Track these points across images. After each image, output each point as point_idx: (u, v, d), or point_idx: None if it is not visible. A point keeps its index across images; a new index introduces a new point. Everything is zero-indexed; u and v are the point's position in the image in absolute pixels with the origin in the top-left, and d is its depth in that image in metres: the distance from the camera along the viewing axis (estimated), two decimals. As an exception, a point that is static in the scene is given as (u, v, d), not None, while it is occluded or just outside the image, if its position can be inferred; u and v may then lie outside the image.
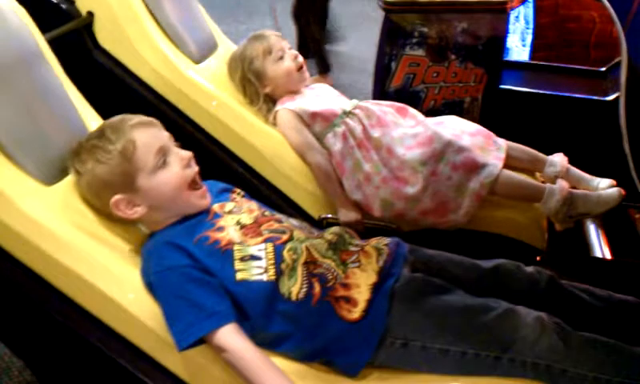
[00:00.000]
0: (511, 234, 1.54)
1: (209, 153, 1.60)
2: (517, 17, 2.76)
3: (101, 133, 1.09)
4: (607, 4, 1.29)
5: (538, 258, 1.53)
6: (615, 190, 1.48)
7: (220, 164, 1.59)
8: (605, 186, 1.52)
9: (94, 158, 1.06)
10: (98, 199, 1.09)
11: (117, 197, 1.05)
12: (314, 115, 1.56)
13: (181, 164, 1.09)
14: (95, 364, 1.10)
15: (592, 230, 1.64)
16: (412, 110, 1.63)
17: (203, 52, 1.75)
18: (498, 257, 1.49)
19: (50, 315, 1.07)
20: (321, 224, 1.53)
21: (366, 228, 1.51)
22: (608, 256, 1.59)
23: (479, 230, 1.53)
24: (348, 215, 1.51)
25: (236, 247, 1.04)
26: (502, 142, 1.55)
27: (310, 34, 3.34)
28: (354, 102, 1.62)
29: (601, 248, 1.60)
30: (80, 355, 1.11)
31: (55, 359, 1.15)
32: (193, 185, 1.10)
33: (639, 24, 1.26)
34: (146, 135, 1.08)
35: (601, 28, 2.58)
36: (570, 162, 1.61)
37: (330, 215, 1.54)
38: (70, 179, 1.12)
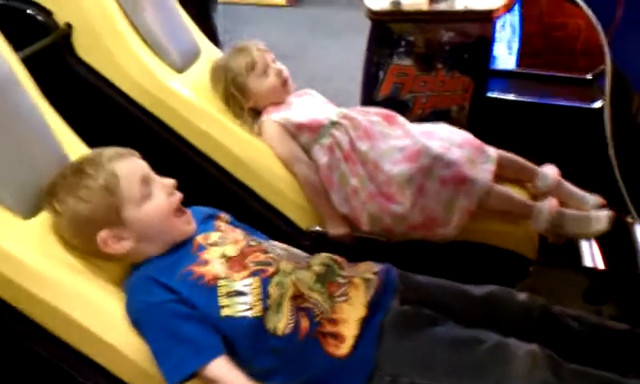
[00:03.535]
0: (502, 244, 1.52)
1: (194, 165, 1.57)
2: (503, 25, 2.76)
3: (78, 169, 1.06)
4: (590, 13, 1.30)
5: (530, 269, 1.53)
6: (605, 214, 1.47)
7: (206, 176, 1.56)
8: (594, 204, 1.51)
9: (74, 196, 1.03)
10: (81, 238, 1.05)
11: (103, 233, 1.02)
12: (300, 127, 1.54)
13: (165, 191, 1.07)
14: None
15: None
16: (400, 119, 1.60)
17: (186, 60, 1.71)
18: (488, 267, 1.48)
19: (34, 352, 1.04)
20: (310, 236, 1.52)
21: (355, 240, 1.49)
22: (600, 265, 1.59)
23: (470, 241, 1.51)
24: (336, 229, 1.49)
25: (221, 282, 1.01)
26: (493, 152, 1.53)
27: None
28: (341, 110, 1.59)
29: (592, 256, 1.60)
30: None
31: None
32: (178, 211, 1.08)
33: (622, 32, 1.27)
34: (127, 166, 1.06)
35: (587, 35, 2.59)
36: (558, 169, 1.60)
37: (318, 228, 1.52)
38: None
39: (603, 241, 1.60)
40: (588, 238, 1.56)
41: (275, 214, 1.55)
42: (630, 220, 1.60)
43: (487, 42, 2.07)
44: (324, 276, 1.08)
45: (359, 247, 1.48)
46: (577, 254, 1.62)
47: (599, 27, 1.24)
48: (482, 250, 1.52)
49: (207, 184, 1.55)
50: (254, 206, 1.54)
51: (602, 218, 1.46)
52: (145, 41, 1.63)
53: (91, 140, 1.29)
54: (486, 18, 2.02)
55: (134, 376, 1.01)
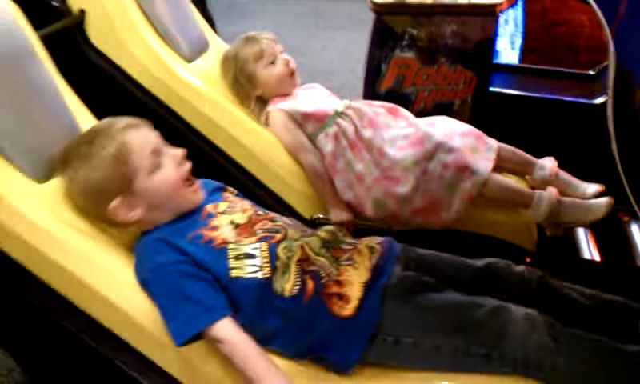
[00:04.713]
0: (501, 235, 1.55)
1: (200, 152, 1.59)
2: (506, 20, 2.77)
3: (90, 138, 1.08)
4: (595, 7, 1.31)
5: (527, 260, 1.55)
6: (604, 200, 1.48)
7: (212, 163, 1.58)
8: (593, 193, 1.52)
9: (87, 165, 1.05)
10: (93, 206, 1.08)
11: (115, 202, 1.04)
12: (306, 116, 1.57)
13: (174, 162, 1.09)
14: (88, 363, 1.09)
15: (581, 232, 1.65)
16: (403, 111, 1.64)
17: (195, 51, 1.74)
18: (487, 258, 1.49)
19: (43, 313, 1.06)
20: (313, 224, 1.54)
21: (358, 228, 1.52)
22: (597, 258, 1.61)
23: (469, 231, 1.53)
24: (340, 215, 1.51)
25: (230, 246, 1.04)
26: (494, 143, 1.56)
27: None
28: (346, 102, 1.62)
29: (589, 250, 1.62)
30: (73, 354, 1.10)
31: (47, 358, 1.14)
32: (187, 181, 1.10)
33: (626, 28, 1.28)
34: (138, 136, 1.08)
35: (590, 32, 2.59)
36: (559, 164, 1.62)
37: (321, 215, 1.54)
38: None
39: (600, 233, 1.62)
40: (585, 226, 1.58)
41: (279, 202, 1.57)
42: (626, 219, 1.62)
43: (490, 36, 2.08)
44: (330, 242, 1.11)
45: (362, 235, 1.50)
46: (574, 247, 1.64)
47: (604, 21, 1.25)
48: (480, 240, 1.55)
49: (212, 170, 1.55)
50: (258, 194, 1.56)
51: (599, 204, 1.47)
52: (156, 30, 1.66)
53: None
54: (490, 13, 2.03)
55: (142, 340, 1.04)
